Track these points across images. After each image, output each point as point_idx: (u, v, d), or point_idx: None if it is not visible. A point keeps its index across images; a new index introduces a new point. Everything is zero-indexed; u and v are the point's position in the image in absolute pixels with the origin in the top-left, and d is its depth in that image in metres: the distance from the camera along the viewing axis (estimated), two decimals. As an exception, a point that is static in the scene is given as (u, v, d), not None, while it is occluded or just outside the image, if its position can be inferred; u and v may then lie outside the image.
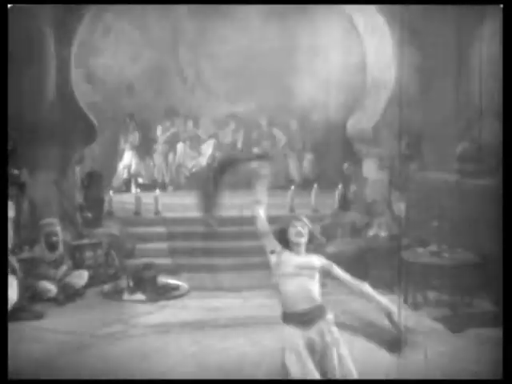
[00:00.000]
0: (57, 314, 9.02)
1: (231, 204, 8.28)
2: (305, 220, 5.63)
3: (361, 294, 5.59)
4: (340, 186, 12.55)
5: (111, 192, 12.85)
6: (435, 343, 7.88)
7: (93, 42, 14.60)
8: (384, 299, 5.53)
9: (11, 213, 9.46)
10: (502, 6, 6.08)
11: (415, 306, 9.30)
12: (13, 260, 8.99)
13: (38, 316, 8.79)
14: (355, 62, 13.73)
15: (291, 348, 5.32)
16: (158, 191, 12.92)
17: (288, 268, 5.43)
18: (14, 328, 8.06)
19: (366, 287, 5.56)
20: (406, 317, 8.76)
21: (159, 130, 15.90)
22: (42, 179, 10.68)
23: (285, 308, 5.45)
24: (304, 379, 5.14)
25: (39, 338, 8.09)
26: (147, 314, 9.25)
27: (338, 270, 5.60)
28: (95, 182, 11.93)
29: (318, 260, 5.54)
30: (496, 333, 7.85)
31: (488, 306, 9.09)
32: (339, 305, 8.04)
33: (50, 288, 9.50)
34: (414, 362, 6.86)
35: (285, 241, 5.55)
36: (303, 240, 5.54)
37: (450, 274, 9.08)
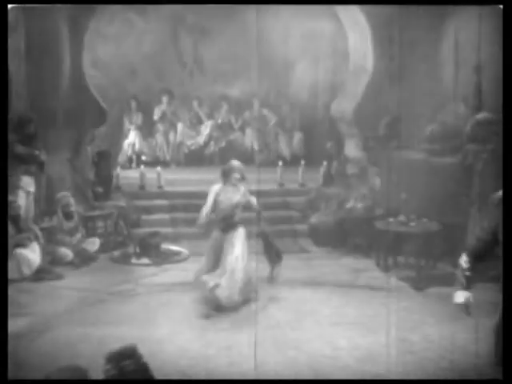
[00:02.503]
0: (74, 276, 9.92)
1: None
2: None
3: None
4: (324, 163, 13.21)
5: (118, 168, 13.46)
6: (400, 299, 8.80)
7: (99, 29, 14.87)
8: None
9: (32, 188, 10.35)
10: (501, 6, 5.81)
11: (386, 268, 10.20)
12: (36, 228, 9.97)
13: (59, 277, 9.71)
14: (340, 50, 14.42)
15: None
16: (159, 167, 13.46)
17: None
18: (38, 287, 9.24)
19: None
20: (377, 277, 9.97)
21: (156, 111, 16.41)
22: (58, 158, 11.33)
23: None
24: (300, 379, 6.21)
25: (61, 294, 9.04)
26: (152, 275, 10.13)
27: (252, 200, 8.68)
28: (104, 160, 12.56)
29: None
30: (454, 291, 8.92)
31: (449, 268, 9.89)
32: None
33: (68, 253, 10.40)
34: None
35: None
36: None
37: (417, 241, 10.02)
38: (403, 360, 6.85)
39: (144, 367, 4.23)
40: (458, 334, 7.40)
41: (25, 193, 10.18)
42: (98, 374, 4.20)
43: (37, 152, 10.45)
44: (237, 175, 8.60)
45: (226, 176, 8.63)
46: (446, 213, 10.12)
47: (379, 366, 6.70)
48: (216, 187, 8.64)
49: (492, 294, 6.38)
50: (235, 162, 8.77)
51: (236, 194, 8.61)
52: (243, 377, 6.48)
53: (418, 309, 8.52)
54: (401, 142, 12.03)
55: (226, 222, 8.63)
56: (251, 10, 15.91)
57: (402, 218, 10.19)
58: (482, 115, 9.98)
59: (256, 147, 16.20)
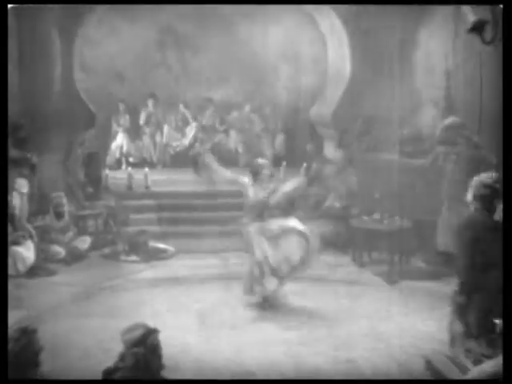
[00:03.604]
0: (66, 272, 10.30)
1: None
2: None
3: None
4: (304, 164, 13.56)
5: (107, 170, 13.68)
6: (374, 292, 9.38)
7: (87, 34, 14.72)
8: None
9: (25, 189, 10.66)
10: (501, 6, 5.81)
11: (361, 264, 10.66)
12: (30, 227, 10.33)
13: (52, 273, 10.09)
14: (320, 56, 14.87)
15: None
16: (147, 168, 13.73)
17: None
18: (32, 282, 9.60)
19: None
20: (353, 272, 10.40)
21: (142, 116, 16.66)
22: (51, 159, 11.70)
23: None
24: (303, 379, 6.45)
25: (54, 290, 9.40)
26: (140, 271, 10.49)
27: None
28: (94, 162, 12.92)
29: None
30: (425, 284, 9.37)
31: (420, 263, 10.49)
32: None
33: (60, 251, 10.76)
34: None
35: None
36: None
37: (390, 238, 10.42)
38: (374, 347, 7.31)
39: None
40: (426, 322, 7.91)
41: (19, 194, 10.49)
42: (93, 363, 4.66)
43: (29, 155, 10.79)
44: (266, 171, 8.81)
45: (255, 174, 8.76)
46: (417, 211, 10.57)
47: (352, 353, 7.14)
48: (246, 180, 8.80)
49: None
50: (262, 160, 9.06)
51: (263, 191, 8.74)
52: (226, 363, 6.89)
53: (390, 301, 8.95)
54: (375, 143, 12.45)
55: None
56: (235, 16, 16.39)
57: (376, 216, 10.64)
58: (450, 119, 10.34)
59: (240, 149, 16.56)
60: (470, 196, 6.00)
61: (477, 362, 4.95)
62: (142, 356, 4.64)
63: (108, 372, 4.70)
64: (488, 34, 5.67)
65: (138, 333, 4.72)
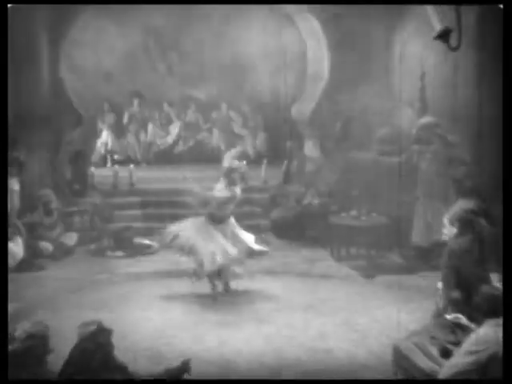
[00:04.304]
0: (55, 267, 10.55)
1: (194, 178, 10.00)
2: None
3: None
4: (285, 162, 13.73)
5: (93, 168, 13.88)
6: (351, 286, 9.66)
7: (74, 36, 14.76)
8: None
9: (16, 186, 10.78)
10: (501, 6, 5.90)
11: (339, 259, 10.91)
12: (19, 223, 10.52)
13: (40, 268, 10.33)
14: (300, 57, 15.12)
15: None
16: (131, 166, 13.92)
17: None
18: (22, 277, 9.75)
19: None
20: (331, 266, 10.65)
21: (125, 115, 16.97)
22: (39, 158, 11.87)
23: None
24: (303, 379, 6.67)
25: (43, 284, 9.64)
26: (126, 266, 10.76)
27: None
28: (80, 160, 13.08)
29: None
30: (400, 278, 9.61)
31: (396, 258, 10.67)
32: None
33: (48, 246, 10.98)
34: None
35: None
36: None
37: (367, 233, 10.73)
38: (349, 337, 7.62)
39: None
40: (400, 314, 8.15)
41: (9, 191, 10.63)
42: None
43: (17, 154, 10.86)
44: (237, 174, 9.17)
45: (227, 177, 9.13)
46: (393, 208, 10.78)
47: (329, 343, 7.45)
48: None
49: (432, 280, 7.12)
50: (235, 162, 9.49)
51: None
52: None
53: (366, 294, 9.27)
54: (353, 142, 12.64)
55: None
56: (217, 18, 16.61)
57: (353, 212, 10.90)
58: (425, 119, 10.62)
59: (222, 147, 16.81)
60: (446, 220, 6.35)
61: (441, 348, 5.27)
62: (89, 352, 4.85)
63: (62, 369, 4.90)
64: (453, 40, 5.92)
65: (91, 329, 4.94)
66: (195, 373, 5.56)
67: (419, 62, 11.57)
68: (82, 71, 16.22)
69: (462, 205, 6.56)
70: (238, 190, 9.16)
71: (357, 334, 7.75)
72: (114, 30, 16.82)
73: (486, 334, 4.69)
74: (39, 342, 4.90)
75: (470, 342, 4.71)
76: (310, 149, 13.69)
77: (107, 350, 4.95)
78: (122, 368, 5.04)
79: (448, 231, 6.47)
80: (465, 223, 6.25)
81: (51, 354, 5.10)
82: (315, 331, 7.85)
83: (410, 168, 10.64)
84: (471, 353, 4.60)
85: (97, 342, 4.89)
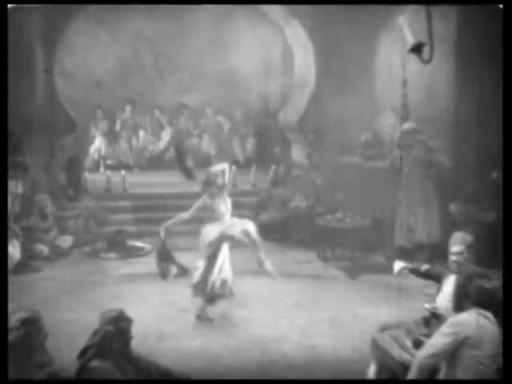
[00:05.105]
0: (50, 269, 10.76)
1: (181, 181, 10.21)
2: None
3: None
4: (273, 167, 13.91)
5: (86, 173, 14.09)
6: (336, 285, 9.93)
7: (67, 42, 14.77)
8: None
9: (20, 190, 11.05)
10: (501, 6, 5.83)
11: (325, 259, 11.18)
12: (16, 227, 10.69)
13: (36, 270, 10.55)
14: (288, 64, 15.45)
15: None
16: (124, 171, 14.11)
17: None
18: (18, 278, 9.89)
19: None
20: (318, 267, 10.87)
21: (118, 122, 17.21)
22: (34, 164, 11.95)
23: None
24: (302, 379, 6.81)
25: (39, 285, 9.87)
26: (119, 267, 10.98)
27: None
28: (74, 165, 13.25)
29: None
30: (383, 278, 9.85)
31: (379, 259, 10.99)
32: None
33: (44, 249, 11.20)
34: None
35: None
36: None
37: (352, 235, 10.88)
38: (334, 334, 7.91)
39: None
40: (382, 312, 8.44)
41: (12, 195, 10.82)
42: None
43: (20, 158, 11.11)
44: (219, 180, 8.51)
45: (208, 184, 8.55)
46: (377, 210, 11.11)
47: (314, 339, 7.73)
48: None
49: (413, 280, 7.37)
50: (216, 168, 8.68)
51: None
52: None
53: (350, 293, 9.52)
54: (338, 147, 12.88)
55: None
56: (207, 25, 16.83)
57: (339, 215, 11.08)
58: (408, 125, 10.77)
59: (212, 152, 17.05)
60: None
61: (415, 340, 5.56)
62: (110, 334, 5.10)
63: (82, 351, 5.12)
64: (426, 54, 6.14)
65: (113, 314, 5.23)
66: (186, 369, 5.76)
67: (401, 70, 11.84)
68: (74, 78, 16.39)
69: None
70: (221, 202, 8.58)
71: (340, 330, 8.03)
72: (106, 37, 17.02)
73: (465, 318, 4.92)
74: (33, 327, 5.08)
75: (447, 325, 4.96)
76: (297, 153, 13.93)
77: (127, 337, 5.18)
78: (135, 362, 5.24)
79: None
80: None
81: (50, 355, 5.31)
82: (301, 328, 8.11)
83: (392, 172, 10.83)
84: (448, 334, 4.86)
85: (118, 326, 5.13)
